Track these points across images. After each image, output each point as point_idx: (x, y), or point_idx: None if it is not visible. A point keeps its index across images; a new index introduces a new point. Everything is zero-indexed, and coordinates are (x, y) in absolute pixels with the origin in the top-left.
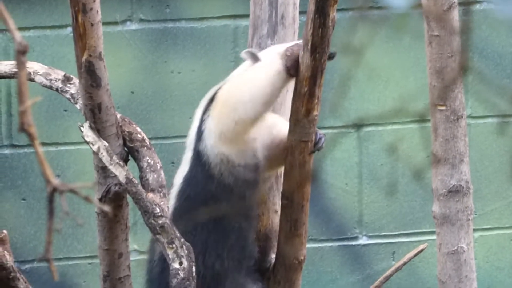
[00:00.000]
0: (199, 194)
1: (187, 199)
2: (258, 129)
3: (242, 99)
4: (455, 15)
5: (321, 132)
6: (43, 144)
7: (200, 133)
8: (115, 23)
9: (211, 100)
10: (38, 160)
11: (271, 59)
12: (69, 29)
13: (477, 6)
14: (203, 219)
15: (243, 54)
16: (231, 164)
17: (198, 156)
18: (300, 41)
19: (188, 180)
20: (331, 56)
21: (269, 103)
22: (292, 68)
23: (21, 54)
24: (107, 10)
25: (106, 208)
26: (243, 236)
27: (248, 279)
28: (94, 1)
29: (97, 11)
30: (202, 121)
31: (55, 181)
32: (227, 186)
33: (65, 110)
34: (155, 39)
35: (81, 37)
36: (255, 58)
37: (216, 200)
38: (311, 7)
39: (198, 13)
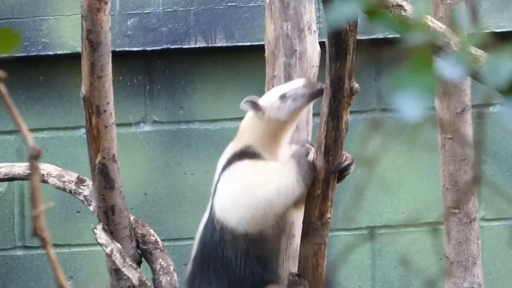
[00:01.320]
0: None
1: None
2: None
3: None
4: (468, 118)
5: (349, 156)
6: (56, 245)
7: (215, 190)
8: (129, 124)
9: (228, 162)
10: (51, 264)
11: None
12: (83, 130)
13: (490, 109)
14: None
15: (242, 105)
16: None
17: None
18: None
19: (203, 236)
20: (319, 93)
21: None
22: (310, 182)
23: (33, 158)
24: (120, 111)
25: None
26: None
27: None
28: (108, 103)
29: (111, 113)
30: (218, 180)
31: (68, 287)
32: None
33: (78, 212)
34: (168, 141)
35: (95, 139)
36: (256, 107)
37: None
38: (324, 110)
39: (212, 115)
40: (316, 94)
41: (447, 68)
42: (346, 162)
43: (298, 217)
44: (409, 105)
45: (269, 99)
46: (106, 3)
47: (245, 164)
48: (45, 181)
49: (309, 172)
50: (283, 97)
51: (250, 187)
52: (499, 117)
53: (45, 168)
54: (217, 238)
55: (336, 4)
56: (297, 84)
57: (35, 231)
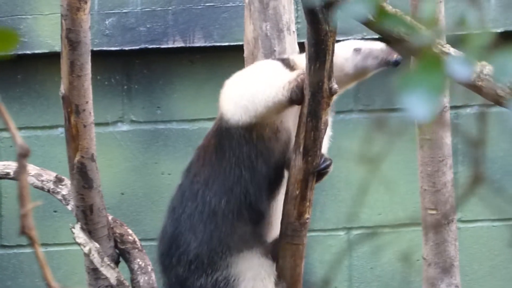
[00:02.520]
0: None
1: None
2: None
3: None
4: (447, 119)
5: (328, 157)
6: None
7: None
8: (106, 124)
9: None
10: (39, 263)
11: (277, 88)
12: (61, 129)
13: (468, 110)
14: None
15: None
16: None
17: None
18: (302, 71)
19: None
20: (393, 64)
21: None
22: (296, 101)
23: (22, 157)
24: (98, 111)
25: None
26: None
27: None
28: (87, 102)
29: (90, 113)
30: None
31: (56, 285)
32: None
33: (55, 211)
34: (146, 140)
35: (74, 138)
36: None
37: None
38: (304, 110)
39: (189, 115)
40: (388, 63)
41: (455, 68)
42: (326, 163)
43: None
44: (418, 105)
45: (344, 47)
46: (86, 2)
47: (269, 62)
48: None
49: (297, 90)
50: (357, 50)
51: (248, 78)
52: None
53: None
54: (217, 127)
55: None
56: (376, 46)
57: (23, 229)
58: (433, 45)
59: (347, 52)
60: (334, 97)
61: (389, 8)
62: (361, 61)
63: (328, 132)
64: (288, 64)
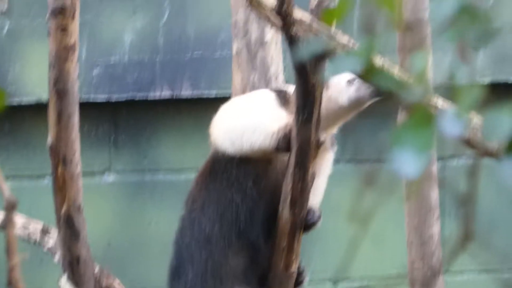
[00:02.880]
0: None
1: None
2: None
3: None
4: (434, 169)
5: (318, 211)
6: None
7: None
8: (93, 174)
9: None
10: None
11: (265, 135)
12: (48, 178)
13: (455, 161)
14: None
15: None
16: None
17: None
18: (291, 119)
19: None
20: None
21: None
22: (282, 151)
23: (9, 210)
24: (85, 160)
25: None
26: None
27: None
28: (74, 153)
29: (77, 164)
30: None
31: None
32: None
33: (42, 260)
34: (132, 190)
35: (61, 189)
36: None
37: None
38: (291, 161)
39: (177, 165)
40: (379, 93)
41: (445, 124)
42: (313, 219)
43: None
44: (408, 162)
45: (338, 79)
46: (74, 51)
47: (264, 96)
48: None
49: (284, 140)
50: (350, 82)
51: (241, 111)
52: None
53: None
54: (212, 151)
55: (337, 61)
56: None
57: (10, 281)
58: (423, 101)
59: (341, 84)
60: (331, 134)
61: (378, 62)
62: (354, 92)
63: (323, 184)
64: (284, 98)
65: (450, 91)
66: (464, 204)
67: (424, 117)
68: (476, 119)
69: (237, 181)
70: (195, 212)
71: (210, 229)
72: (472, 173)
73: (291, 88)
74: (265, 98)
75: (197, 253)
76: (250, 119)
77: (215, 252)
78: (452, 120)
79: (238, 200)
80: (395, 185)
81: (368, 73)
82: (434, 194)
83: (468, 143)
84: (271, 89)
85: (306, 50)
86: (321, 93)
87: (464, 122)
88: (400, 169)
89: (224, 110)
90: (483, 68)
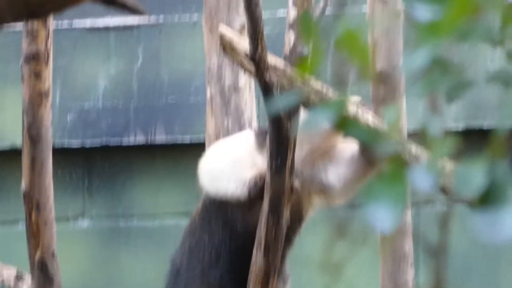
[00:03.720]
0: None
1: None
2: None
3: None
4: (408, 216)
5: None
6: None
7: None
8: (67, 219)
9: None
10: None
11: (237, 183)
12: (22, 224)
13: (429, 207)
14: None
15: None
16: None
17: None
18: (264, 167)
19: None
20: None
21: None
22: (253, 197)
23: None
24: (59, 206)
25: None
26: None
27: None
28: (48, 199)
29: (51, 210)
30: None
31: None
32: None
33: None
34: (107, 236)
35: (34, 235)
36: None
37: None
38: (265, 206)
39: (151, 211)
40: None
41: (417, 178)
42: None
43: None
44: (382, 216)
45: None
46: (48, 97)
47: (243, 139)
48: None
49: (256, 189)
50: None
51: (220, 155)
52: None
53: None
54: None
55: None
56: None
57: None
58: (396, 153)
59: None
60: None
61: (352, 115)
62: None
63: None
64: (264, 140)
65: (423, 141)
66: (436, 253)
67: (397, 170)
68: (449, 167)
69: (218, 224)
70: (183, 255)
71: (190, 272)
72: (444, 221)
73: None
74: (244, 142)
75: None
76: (225, 165)
77: None
78: (423, 174)
79: (219, 244)
80: (368, 234)
81: (341, 125)
82: (408, 241)
83: (442, 190)
84: (255, 131)
85: (279, 97)
86: (295, 139)
87: (435, 175)
88: (374, 223)
89: (209, 152)
90: (457, 115)
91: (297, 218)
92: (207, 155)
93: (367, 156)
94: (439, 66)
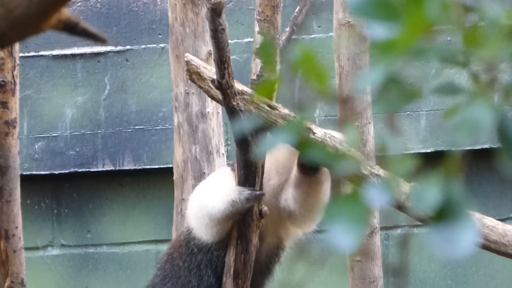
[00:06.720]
0: None
1: None
2: None
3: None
4: (377, 240)
5: None
6: None
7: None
8: (36, 248)
9: None
10: None
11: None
12: None
13: (398, 231)
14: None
15: None
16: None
17: None
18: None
19: None
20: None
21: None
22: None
23: None
24: (28, 235)
25: None
26: None
27: None
28: (17, 227)
29: (20, 238)
30: None
31: None
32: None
33: None
34: (76, 264)
35: (3, 264)
36: None
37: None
38: (234, 233)
39: (119, 238)
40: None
41: (373, 196)
42: None
43: None
44: (343, 236)
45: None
46: (15, 127)
47: (220, 178)
48: None
49: (243, 199)
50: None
51: (199, 194)
52: (428, 243)
53: None
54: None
55: (273, 135)
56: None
57: None
58: (355, 173)
59: None
60: None
61: (314, 135)
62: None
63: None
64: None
65: (383, 161)
66: (397, 274)
67: (356, 190)
68: (406, 187)
69: (197, 265)
70: (157, 284)
71: None
72: (404, 243)
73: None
74: (222, 178)
75: None
76: (203, 203)
77: None
78: (379, 191)
79: (195, 283)
80: (329, 255)
81: (302, 146)
82: (378, 264)
83: (399, 207)
84: (229, 166)
85: (246, 123)
86: (263, 164)
87: (391, 192)
88: (335, 243)
89: (197, 189)
90: (425, 137)
91: (275, 247)
92: (195, 191)
93: (304, 170)
94: (393, 84)
